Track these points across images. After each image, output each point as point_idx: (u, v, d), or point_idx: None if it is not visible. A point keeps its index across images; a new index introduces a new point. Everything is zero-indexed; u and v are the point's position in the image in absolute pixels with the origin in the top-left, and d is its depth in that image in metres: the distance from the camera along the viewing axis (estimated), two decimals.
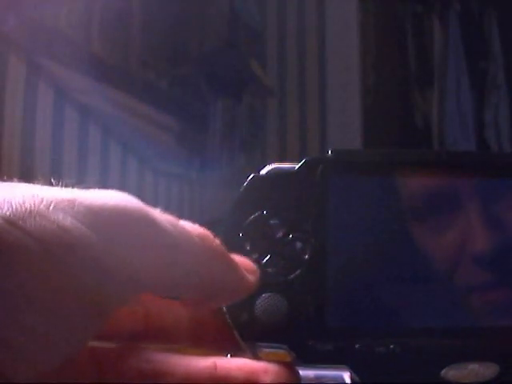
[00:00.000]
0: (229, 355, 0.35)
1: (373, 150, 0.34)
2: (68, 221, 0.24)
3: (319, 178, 0.33)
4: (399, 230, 0.33)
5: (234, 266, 0.29)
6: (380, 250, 0.33)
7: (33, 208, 0.23)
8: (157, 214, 0.27)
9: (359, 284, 0.33)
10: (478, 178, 0.33)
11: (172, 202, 1.93)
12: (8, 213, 0.23)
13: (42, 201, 0.24)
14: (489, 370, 0.31)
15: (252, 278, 0.30)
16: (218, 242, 0.29)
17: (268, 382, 0.31)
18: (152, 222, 0.26)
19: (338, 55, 2.22)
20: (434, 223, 0.33)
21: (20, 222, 0.23)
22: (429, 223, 0.33)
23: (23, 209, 0.23)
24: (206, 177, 1.92)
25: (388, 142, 2.09)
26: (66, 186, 0.27)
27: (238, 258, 0.30)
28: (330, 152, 0.33)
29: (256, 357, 0.32)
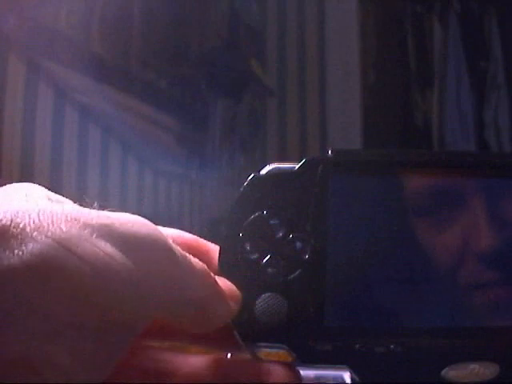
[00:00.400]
0: (229, 355, 0.35)
1: (373, 150, 0.34)
2: (109, 247, 0.25)
3: (319, 178, 0.33)
4: (399, 230, 0.33)
5: (223, 298, 0.30)
6: (380, 250, 0.33)
7: (81, 233, 0.24)
8: (174, 245, 0.28)
9: (359, 284, 0.33)
10: (477, 178, 0.33)
11: (172, 202, 1.93)
12: (62, 236, 0.24)
13: (85, 226, 0.25)
14: (489, 369, 0.31)
15: (234, 305, 0.31)
16: (213, 276, 0.30)
17: (271, 382, 0.31)
18: (172, 255, 0.27)
19: (338, 55, 2.22)
20: (434, 223, 0.33)
21: (74, 247, 0.23)
22: (428, 223, 0.33)
23: (73, 233, 0.24)
24: (205, 177, 1.92)
25: (388, 142, 2.09)
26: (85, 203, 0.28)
27: (224, 283, 0.31)
28: (330, 152, 0.33)
29: (256, 357, 0.32)
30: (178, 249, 0.28)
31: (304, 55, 2.26)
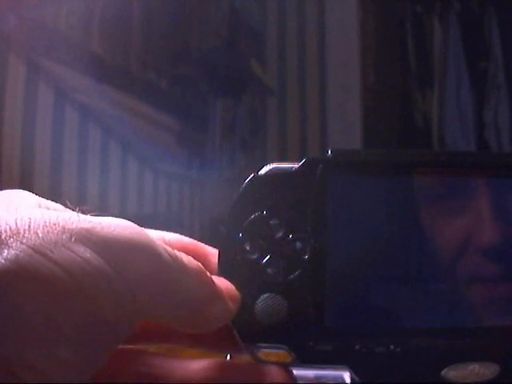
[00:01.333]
0: (228, 356, 0.35)
1: (373, 150, 0.34)
2: (88, 252, 0.25)
3: (319, 178, 0.33)
4: (399, 230, 0.33)
5: (221, 298, 0.30)
6: (380, 250, 0.33)
7: (58, 239, 0.24)
8: (161, 247, 0.28)
9: (359, 284, 0.33)
10: (478, 177, 0.33)
11: (172, 202, 1.93)
12: (37, 242, 0.24)
13: (64, 231, 0.25)
14: (489, 369, 0.31)
15: (233, 305, 0.31)
16: (209, 275, 0.30)
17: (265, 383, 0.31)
18: (158, 256, 0.27)
19: (338, 55, 2.22)
20: (434, 223, 0.33)
21: (49, 253, 0.24)
22: (428, 223, 0.33)
23: (49, 239, 0.24)
24: (205, 177, 1.92)
25: (388, 142, 2.09)
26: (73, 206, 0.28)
27: (223, 284, 0.31)
28: (329, 152, 0.33)
29: (256, 357, 0.32)
30: (167, 249, 0.28)
31: (304, 55, 2.27)
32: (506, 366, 0.32)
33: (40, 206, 0.27)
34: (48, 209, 0.27)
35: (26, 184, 1.37)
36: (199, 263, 0.29)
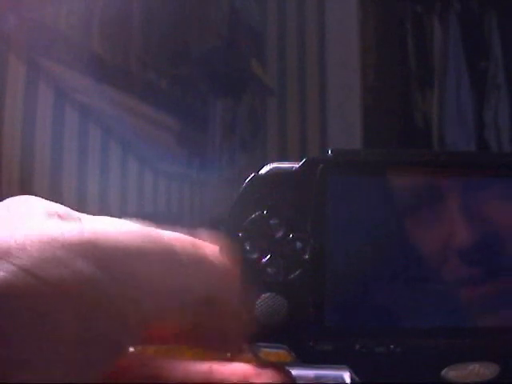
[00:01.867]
0: (229, 355, 0.35)
1: (373, 150, 0.34)
2: (85, 266, 0.24)
3: (319, 178, 0.33)
4: (399, 230, 0.33)
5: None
6: (380, 250, 0.33)
7: (53, 256, 0.24)
8: (177, 245, 0.27)
9: (359, 284, 0.33)
10: (478, 177, 0.33)
11: (172, 202, 1.93)
12: (28, 262, 0.24)
13: (62, 247, 0.25)
14: (489, 369, 0.31)
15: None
16: (235, 272, 0.29)
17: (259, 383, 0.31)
18: (169, 259, 0.27)
19: (338, 55, 2.22)
20: (435, 223, 0.33)
21: (40, 272, 0.24)
22: (429, 223, 0.33)
23: (43, 257, 0.24)
24: (205, 177, 1.92)
25: (388, 142, 2.10)
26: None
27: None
28: (329, 152, 0.33)
29: (256, 357, 0.32)
30: (184, 242, 0.27)
31: (304, 55, 2.27)
32: (506, 366, 0.32)
33: (49, 214, 0.27)
34: (58, 215, 0.27)
35: (25, 184, 1.37)
36: (222, 258, 0.29)
